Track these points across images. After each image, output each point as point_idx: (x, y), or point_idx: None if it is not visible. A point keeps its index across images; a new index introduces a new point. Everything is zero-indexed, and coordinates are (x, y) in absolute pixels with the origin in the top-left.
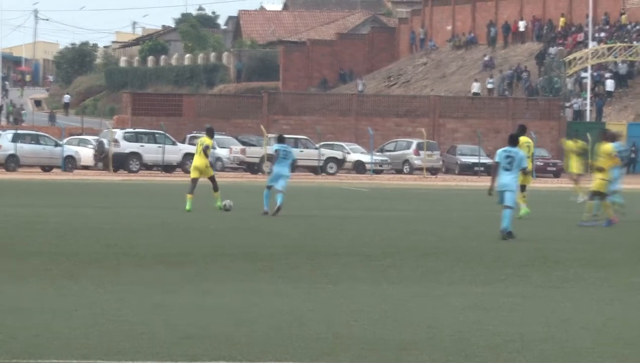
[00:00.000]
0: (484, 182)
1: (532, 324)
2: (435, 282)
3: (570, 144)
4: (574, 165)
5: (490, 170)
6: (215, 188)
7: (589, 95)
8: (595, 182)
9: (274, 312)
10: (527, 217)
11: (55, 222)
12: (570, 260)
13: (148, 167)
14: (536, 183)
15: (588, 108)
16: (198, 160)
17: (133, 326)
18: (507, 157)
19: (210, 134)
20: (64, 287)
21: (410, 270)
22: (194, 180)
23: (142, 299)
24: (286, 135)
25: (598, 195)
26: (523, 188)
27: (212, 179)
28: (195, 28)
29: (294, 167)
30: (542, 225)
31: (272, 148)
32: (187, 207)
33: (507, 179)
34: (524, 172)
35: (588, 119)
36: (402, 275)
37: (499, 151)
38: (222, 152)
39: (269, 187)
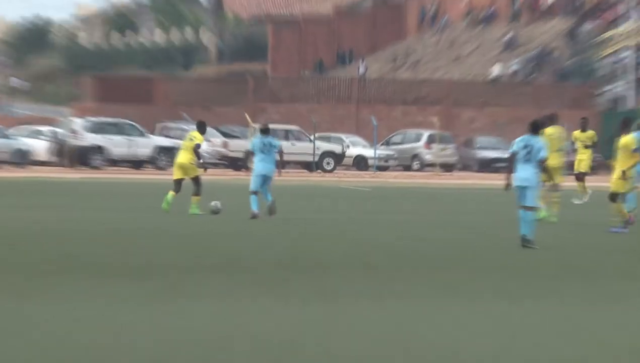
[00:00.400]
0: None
1: (567, 348)
2: (451, 298)
3: (576, 133)
4: (581, 159)
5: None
6: (197, 193)
7: (629, 79)
8: (614, 182)
9: (259, 335)
10: (547, 221)
11: (1, 227)
12: (612, 273)
13: (114, 162)
14: (568, 182)
15: (629, 94)
16: (183, 156)
17: (87, 351)
18: (525, 146)
19: (202, 128)
20: (4, 305)
21: (421, 285)
22: (178, 182)
23: (98, 320)
24: (276, 126)
25: (617, 196)
26: (554, 187)
27: (196, 180)
28: (171, 3)
29: (282, 162)
30: (578, 230)
31: (251, 143)
32: (167, 198)
33: (526, 173)
34: (544, 166)
35: (628, 107)
36: (412, 291)
37: (517, 140)
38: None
39: (255, 193)
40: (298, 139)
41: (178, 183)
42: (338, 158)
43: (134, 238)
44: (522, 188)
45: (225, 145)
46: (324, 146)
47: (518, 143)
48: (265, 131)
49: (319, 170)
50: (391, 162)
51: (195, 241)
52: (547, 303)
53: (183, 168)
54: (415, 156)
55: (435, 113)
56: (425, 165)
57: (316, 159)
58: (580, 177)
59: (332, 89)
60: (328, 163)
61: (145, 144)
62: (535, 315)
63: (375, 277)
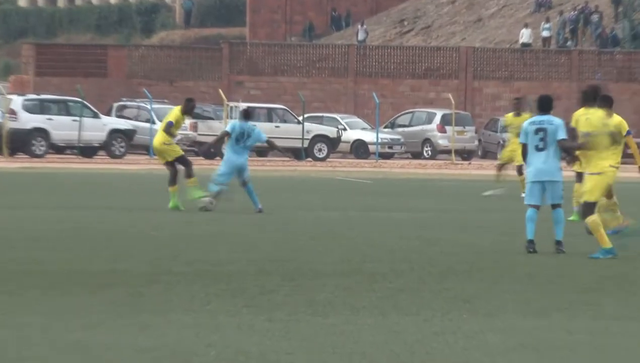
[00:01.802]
0: None
1: None
2: (466, 312)
3: (509, 118)
4: (508, 149)
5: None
6: (189, 174)
7: None
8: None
9: (238, 355)
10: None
11: None
12: None
13: (59, 149)
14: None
15: None
16: (155, 139)
17: None
18: (538, 131)
19: (186, 106)
20: None
21: (430, 296)
22: (167, 166)
23: (53, 337)
24: (256, 105)
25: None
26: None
27: (181, 161)
28: None
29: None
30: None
31: (230, 125)
32: (170, 204)
33: (545, 164)
34: (567, 151)
35: None
36: (419, 303)
37: (525, 124)
38: None
39: (244, 183)
40: (283, 120)
41: (168, 167)
42: (332, 143)
43: (90, 241)
44: (542, 183)
45: (194, 127)
46: (315, 129)
47: (527, 128)
48: (247, 115)
49: (309, 158)
50: (397, 149)
51: (164, 244)
52: (579, 318)
53: (158, 152)
54: (426, 141)
55: (450, 88)
56: (438, 152)
57: (306, 144)
58: (499, 167)
59: (325, 59)
60: (320, 149)
61: (98, 127)
62: (565, 332)
63: (376, 286)
